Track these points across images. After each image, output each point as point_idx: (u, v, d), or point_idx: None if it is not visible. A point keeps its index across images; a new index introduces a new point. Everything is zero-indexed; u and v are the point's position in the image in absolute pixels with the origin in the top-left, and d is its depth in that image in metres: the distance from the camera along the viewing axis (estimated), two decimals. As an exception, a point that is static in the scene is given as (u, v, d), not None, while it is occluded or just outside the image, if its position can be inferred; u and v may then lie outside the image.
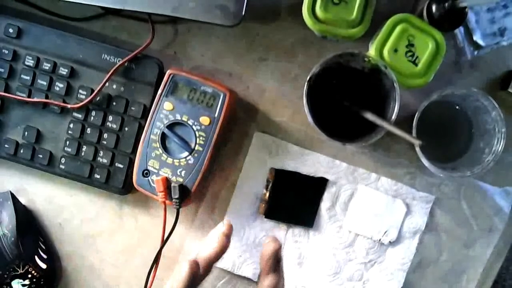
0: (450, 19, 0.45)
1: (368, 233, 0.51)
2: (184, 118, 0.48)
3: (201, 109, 0.48)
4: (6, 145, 0.51)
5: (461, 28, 0.49)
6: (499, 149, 0.45)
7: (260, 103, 0.52)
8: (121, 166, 0.50)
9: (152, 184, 0.48)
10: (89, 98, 0.49)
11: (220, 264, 0.51)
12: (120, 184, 0.50)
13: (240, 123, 0.52)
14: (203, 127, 0.47)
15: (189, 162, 0.47)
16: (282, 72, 0.52)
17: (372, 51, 0.46)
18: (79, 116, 0.50)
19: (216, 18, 0.47)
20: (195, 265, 0.40)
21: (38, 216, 0.53)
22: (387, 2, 0.49)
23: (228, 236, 0.43)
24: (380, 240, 0.51)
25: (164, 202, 0.47)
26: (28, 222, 0.52)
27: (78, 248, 0.53)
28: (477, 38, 0.49)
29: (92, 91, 0.50)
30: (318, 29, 0.47)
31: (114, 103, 0.50)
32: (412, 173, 0.51)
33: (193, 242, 0.52)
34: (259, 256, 0.43)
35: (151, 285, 0.48)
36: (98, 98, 0.50)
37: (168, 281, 0.40)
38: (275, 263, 0.42)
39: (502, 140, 0.45)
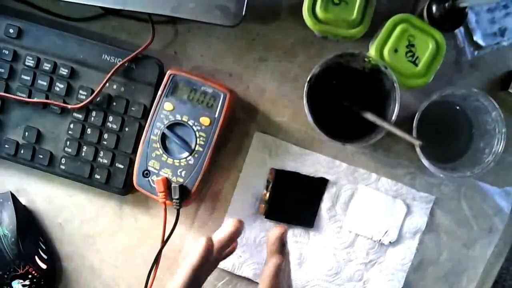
0: (450, 19, 0.45)
1: (368, 233, 0.51)
2: (184, 119, 0.48)
3: (201, 109, 0.48)
4: (6, 145, 0.51)
5: (461, 28, 0.49)
6: (499, 150, 0.45)
7: (260, 103, 0.52)
8: (121, 166, 0.50)
9: (152, 185, 0.48)
10: (89, 99, 0.49)
11: (220, 264, 0.51)
12: (120, 184, 0.50)
13: (240, 123, 0.52)
14: (203, 127, 0.47)
15: (190, 162, 0.47)
16: (282, 72, 0.52)
17: (372, 51, 0.46)
18: (80, 116, 0.50)
19: (216, 18, 0.47)
20: (210, 241, 0.41)
21: (38, 216, 0.53)
22: (387, 2, 0.49)
23: (241, 222, 0.45)
24: (380, 240, 0.51)
25: (164, 203, 0.47)
26: (28, 222, 0.52)
27: (78, 248, 0.53)
28: (477, 38, 0.49)
29: (93, 91, 0.50)
30: (318, 30, 0.47)
31: (115, 104, 0.50)
32: (412, 173, 0.51)
33: (193, 242, 0.52)
34: (266, 241, 0.44)
35: (151, 285, 0.48)
36: (98, 99, 0.50)
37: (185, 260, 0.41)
38: (281, 246, 0.43)
39: (502, 141, 0.45)
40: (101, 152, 0.50)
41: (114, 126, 0.50)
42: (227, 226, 0.45)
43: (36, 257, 0.50)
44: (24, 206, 0.53)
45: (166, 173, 0.48)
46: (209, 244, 0.41)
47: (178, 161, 0.48)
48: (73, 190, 0.53)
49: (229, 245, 0.45)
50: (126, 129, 0.50)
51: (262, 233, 0.51)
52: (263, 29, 0.52)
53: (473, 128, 0.49)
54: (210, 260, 0.42)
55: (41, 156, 0.51)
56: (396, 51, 0.46)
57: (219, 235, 0.44)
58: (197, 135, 0.48)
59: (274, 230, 0.44)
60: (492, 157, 0.45)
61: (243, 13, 0.47)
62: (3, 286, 0.49)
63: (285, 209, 0.51)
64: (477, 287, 0.51)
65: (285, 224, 0.51)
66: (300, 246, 0.51)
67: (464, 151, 0.50)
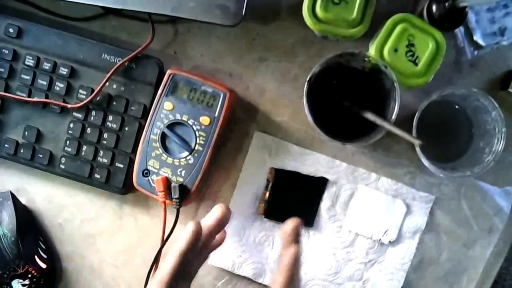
0: (450, 19, 0.45)
1: (368, 233, 0.51)
2: (184, 118, 0.48)
3: (201, 109, 0.48)
4: (6, 145, 0.51)
5: (461, 28, 0.49)
6: (499, 149, 0.45)
7: (260, 103, 0.52)
8: (121, 166, 0.50)
9: (152, 184, 0.48)
10: (89, 98, 0.49)
11: (220, 264, 0.51)
12: (120, 184, 0.50)
13: (240, 123, 0.52)
14: (203, 127, 0.48)
15: (189, 162, 0.47)
16: (282, 72, 0.52)
17: (372, 51, 0.46)
18: (79, 116, 0.50)
19: (216, 18, 0.47)
20: (198, 225, 0.41)
21: (38, 216, 0.53)
22: (387, 2, 0.49)
23: (229, 208, 0.45)
24: (380, 240, 0.51)
25: (164, 202, 0.47)
26: (28, 222, 0.52)
27: (78, 248, 0.53)
28: (477, 37, 0.49)
29: (92, 91, 0.50)
30: (318, 29, 0.47)
31: (114, 103, 0.50)
32: (412, 173, 0.51)
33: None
34: (279, 233, 0.44)
35: (151, 285, 0.48)
36: (98, 98, 0.50)
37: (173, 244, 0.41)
38: (296, 237, 0.43)
39: (502, 140, 0.45)
40: (101, 152, 0.50)
41: (114, 126, 0.50)
42: (215, 212, 0.44)
43: (36, 257, 0.50)
44: (24, 205, 0.53)
45: (166, 172, 0.48)
46: (197, 227, 0.41)
47: (178, 160, 0.48)
48: (73, 189, 0.53)
49: (217, 232, 0.44)
50: (126, 128, 0.50)
51: (262, 232, 0.51)
52: (263, 29, 0.52)
53: (473, 128, 0.49)
54: (198, 245, 0.41)
55: (41, 156, 0.51)
56: (396, 50, 0.46)
57: (207, 221, 0.44)
58: (197, 135, 0.48)
59: (289, 222, 0.44)
60: (492, 157, 0.45)
61: (243, 12, 0.47)
62: (3, 285, 0.49)
63: (285, 208, 0.51)
64: (477, 287, 0.51)
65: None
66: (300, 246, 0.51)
67: (464, 150, 0.50)
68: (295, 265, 0.41)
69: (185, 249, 0.40)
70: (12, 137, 0.51)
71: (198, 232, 0.41)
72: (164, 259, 0.41)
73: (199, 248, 0.42)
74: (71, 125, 0.50)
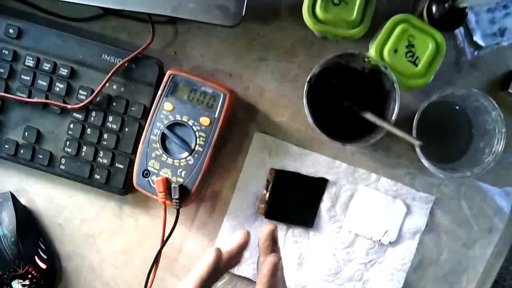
0: (450, 20, 0.45)
1: (368, 233, 0.51)
2: (184, 119, 0.48)
3: (201, 109, 0.48)
4: (6, 146, 0.51)
5: (461, 29, 0.49)
6: (499, 150, 0.45)
7: (260, 103, 0.52)
8: (121, 166, 0.50)
9: (152, 185, 0.48)
10: (89, 99, 0.49)
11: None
12: (120, 184, 0.50)
13: (240, 123, 0.52)
14: (203, 127, 0.48)
15: (189, 162, 0.47)
16: (282, 72, 0.52)
17: (372, 52, 0.46)
18: (79, 116, 0.50)
19: (216, 18, 0.47)
20: (219, 252, 0.42)
21: (38, 216, 0.53)
22: (387, 2, 0.49)
23: (249, 233, 0.46)
24: (380, 240, 0.51)
25: (164, 203, 0.47)
26: (28, 222, 0.52)
27: (78, 248, 0.53)
28: (477, 38, 0.49)
29: (92, 91, 0.50)
30: (318, 30, 0.47)
31: (114, 104, 0.50)
32: (412, 173, 0.51)
33: (193, 242, 0.52)
34: (258, 240, 0.44)
35: (151, 285, 0.48)
36: (98, 99, 0.50)
37: (193, 268, 0.42)
38: (272, 244, 0.43)
39: (502, 141, 0.45)
40: (101, 152, 0.50)
41: (114, 126, 0.50)
42: (237, 238, 0.45)
43: (36, 257, 0.50)
44: (24, 206, 0.53)
45: (166, 173, 0.48)
46: (218, 255, 0.42)
47: (178, 161, 0.48)
48: (73, 190, 0.53)
49: (237, 257, 0.45)
50: (126, 129, 0.50)
51: (262, 233, 0.51)
52: (263, 29, 0.52)
53: (473, 128, 0.49)
54: (217, 271, 0.42)
55: (41, 156, 0.51)
56: (396, 51, 0.45)
57: (228, 247, 0.44)
58: (197, 135, 0.48)
59: (264, 228, 0.44)
60: (492, 157, 0.45)
61: (243, 13, 0.47)
62: (3, 286, 0.49)
63: (285, 209, 0.51)
64: (477, 287, 0.51)
65: (285, 224, 0.51)
66: (300, 246, 0.51)
67: (464, 151, 0.50)
68: (274, 275, 0.41)
69: (206, 276, 0.41)
70: (12, 138, 0.51)
71: (218, 259, 0.42)
72: (184, 282, 0.41)
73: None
74: (71, 125, 0.50)
